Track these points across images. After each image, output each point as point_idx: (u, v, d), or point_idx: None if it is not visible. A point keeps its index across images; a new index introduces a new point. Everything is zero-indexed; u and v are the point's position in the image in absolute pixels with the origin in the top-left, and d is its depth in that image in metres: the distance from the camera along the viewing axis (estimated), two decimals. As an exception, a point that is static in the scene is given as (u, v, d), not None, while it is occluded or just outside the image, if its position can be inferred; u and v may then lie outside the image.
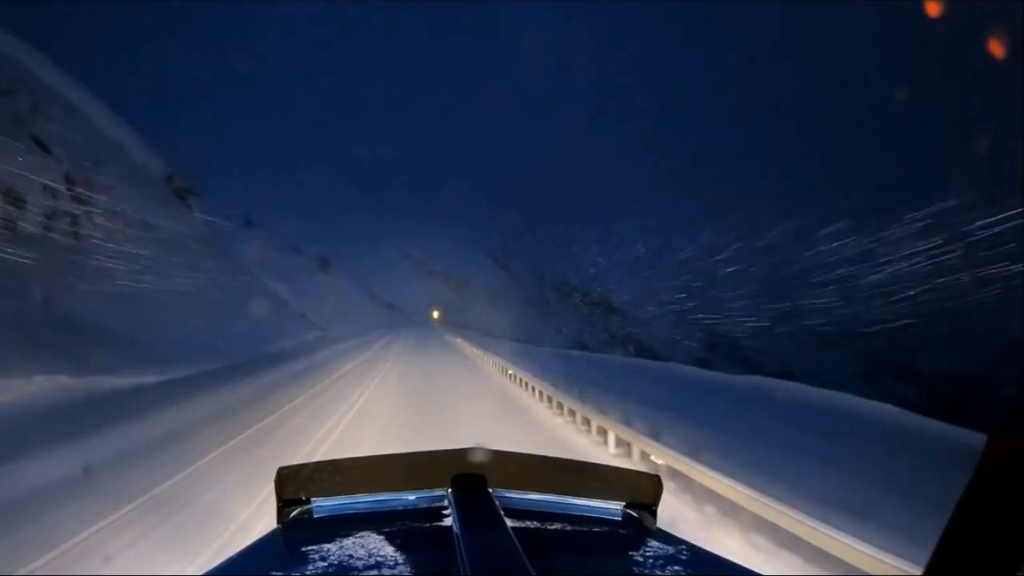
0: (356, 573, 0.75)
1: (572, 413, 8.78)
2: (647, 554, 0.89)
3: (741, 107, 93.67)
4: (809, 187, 66.27)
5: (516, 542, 0.76)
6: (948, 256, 43.65)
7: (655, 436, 6.16)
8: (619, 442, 6.77)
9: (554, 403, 9.84)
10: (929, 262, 44.18)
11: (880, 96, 70.82)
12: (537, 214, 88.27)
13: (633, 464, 5.90)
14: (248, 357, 18.07)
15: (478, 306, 67.66)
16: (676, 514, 4.47)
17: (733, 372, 14.85)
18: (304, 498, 1.06)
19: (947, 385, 37.41)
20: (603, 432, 7.33)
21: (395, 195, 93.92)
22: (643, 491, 1.14)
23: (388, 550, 0.81)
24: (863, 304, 47.42)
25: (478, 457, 1.10)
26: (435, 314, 65.00)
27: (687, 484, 5.04)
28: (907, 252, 46.34)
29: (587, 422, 8.06)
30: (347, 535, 0.87)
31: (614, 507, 1.13)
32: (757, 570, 0.86)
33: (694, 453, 5.24)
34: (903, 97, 66.22)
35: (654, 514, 1.11)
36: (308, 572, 0.75)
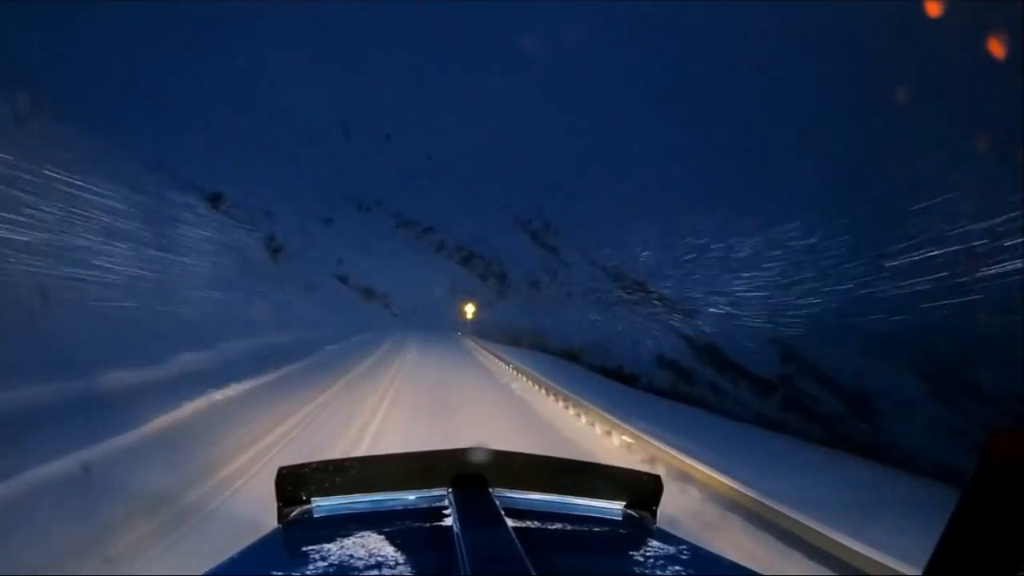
0: (356, 573, 0.75)
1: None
2: (647, 554, 0.89)
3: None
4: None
5: (516, 542, 0.76)
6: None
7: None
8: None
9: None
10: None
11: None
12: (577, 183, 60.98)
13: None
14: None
15: (513, 298, 49.46)
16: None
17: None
18: (304, 498, 1.07)
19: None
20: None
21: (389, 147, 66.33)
22: (643, 491, 1.14)
23: (388, 550, 0.81)
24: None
25: (478, 457, 1.10)
26: (468, 311, 42.73)
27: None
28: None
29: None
30: (347, 535, 0.86)
31: (614, 507, 1.13)
32: (759, 570, 0.86)
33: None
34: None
35: (654, 514, 1.12)
36: (308, 572, 0.75)
